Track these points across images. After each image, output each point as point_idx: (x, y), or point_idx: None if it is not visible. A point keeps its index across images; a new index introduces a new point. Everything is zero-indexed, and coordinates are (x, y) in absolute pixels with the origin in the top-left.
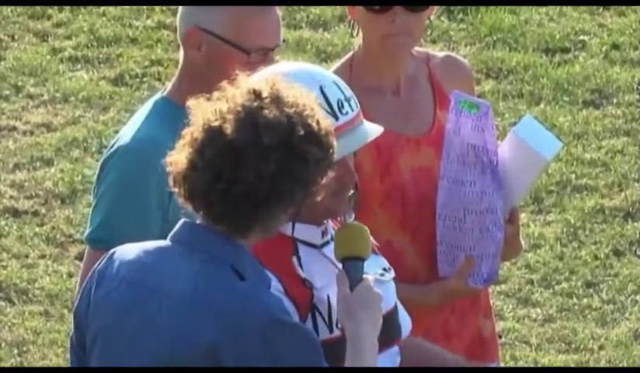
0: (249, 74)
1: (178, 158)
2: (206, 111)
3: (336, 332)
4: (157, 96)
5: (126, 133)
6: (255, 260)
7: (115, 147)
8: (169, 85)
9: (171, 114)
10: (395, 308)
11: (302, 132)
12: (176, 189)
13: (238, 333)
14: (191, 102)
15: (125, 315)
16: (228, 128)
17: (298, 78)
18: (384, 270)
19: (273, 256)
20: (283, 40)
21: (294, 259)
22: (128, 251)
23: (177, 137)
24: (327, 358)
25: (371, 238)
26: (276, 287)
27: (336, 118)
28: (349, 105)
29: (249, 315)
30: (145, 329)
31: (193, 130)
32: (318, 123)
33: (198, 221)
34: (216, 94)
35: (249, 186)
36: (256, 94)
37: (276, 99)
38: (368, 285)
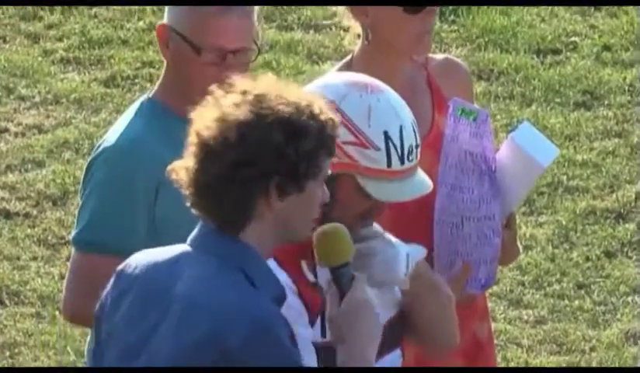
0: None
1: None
2: (199, 121)
3: None
4: (143, 98)
5: (112, 134)
6: (268, 268)
7: (100, 148)
8: (155, 86)
9: (156, 114)
10: None
11: (268, 121)
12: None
13: (227, 327)
14: (193, 113)
15: (136, 315)
16: (212, 132)
17: (384, 111)
18: None
19: (290, 257)
20: (270, 45)
21: (303, 264)
22: (146, 253)
23: (164, 136)
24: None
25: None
26: (290, 288)
27: (402, 162)
28: (416, 154)
29: (244, 315)
30: (154, 329)
31: (190, 141)
32: (286, 107)
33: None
34: (210, 100)
35: (215, 178)
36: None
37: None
38: (351, 298)
